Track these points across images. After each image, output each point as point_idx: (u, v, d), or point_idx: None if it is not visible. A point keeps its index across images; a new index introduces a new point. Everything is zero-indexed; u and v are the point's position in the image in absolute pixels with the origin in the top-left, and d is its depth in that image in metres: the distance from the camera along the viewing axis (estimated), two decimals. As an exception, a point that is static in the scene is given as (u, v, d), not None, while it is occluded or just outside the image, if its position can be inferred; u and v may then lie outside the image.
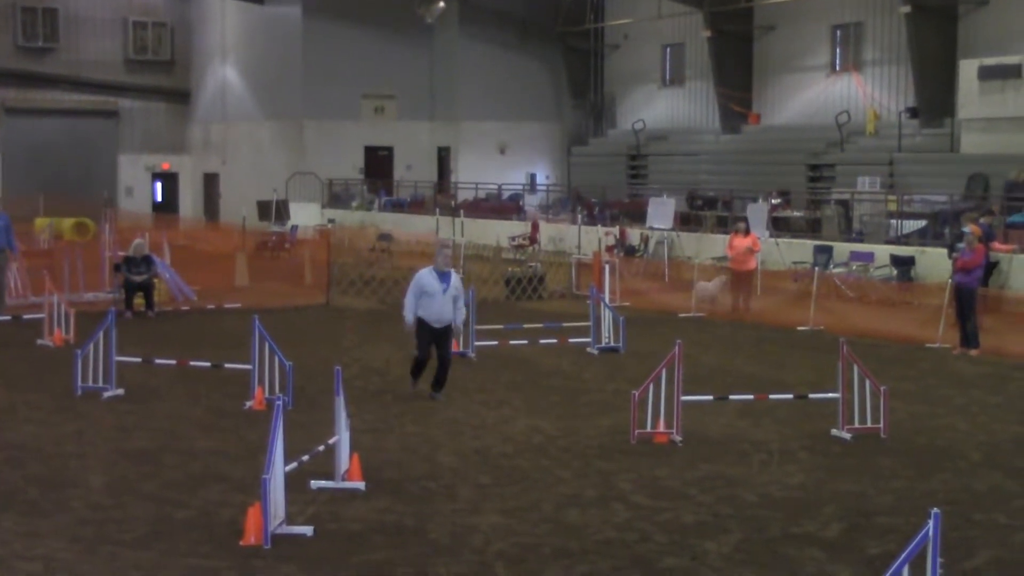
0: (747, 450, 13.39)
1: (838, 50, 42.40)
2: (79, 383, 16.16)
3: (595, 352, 20.31)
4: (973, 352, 20.32)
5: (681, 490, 11.74)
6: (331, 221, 45.55)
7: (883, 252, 29.42)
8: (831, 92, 42.15)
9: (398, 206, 48.43)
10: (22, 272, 26.14)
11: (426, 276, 16.03)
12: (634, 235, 37.30)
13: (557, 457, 13.07)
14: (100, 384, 16.12)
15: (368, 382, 17.52)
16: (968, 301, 20.47)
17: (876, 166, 38.13)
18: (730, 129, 45.47)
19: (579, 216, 38.93)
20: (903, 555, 7.22)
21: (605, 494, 11.58)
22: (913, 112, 38.42)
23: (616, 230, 37.69)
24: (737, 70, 45.38)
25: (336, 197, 50.98)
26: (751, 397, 15.55)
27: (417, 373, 16.45)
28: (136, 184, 57.41)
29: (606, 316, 20.89)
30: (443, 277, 16.06)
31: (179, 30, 57.71)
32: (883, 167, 38.03)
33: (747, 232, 26.92)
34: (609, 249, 35.34)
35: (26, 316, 23.28)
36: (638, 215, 39.29)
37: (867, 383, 14.01)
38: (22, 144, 54.00)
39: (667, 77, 49.51)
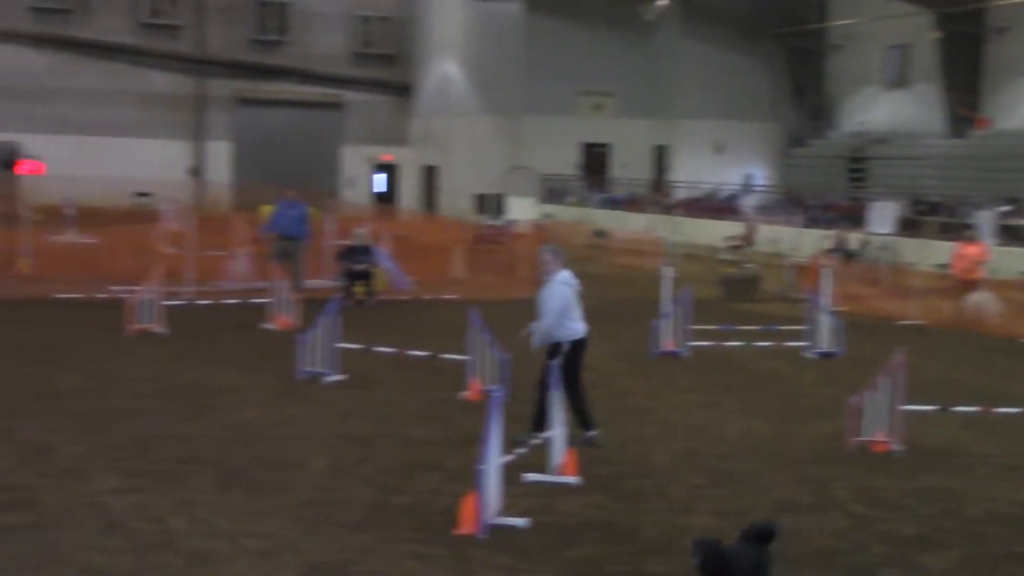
0: (971, 463, 12.99)
1: (1078, 53, 40.85)
2: (301, 367, 16.63)
3: (812, 356, 19.96)
4: None
5: (900, 501, 11.45)
6: (547, 216, 45.83)
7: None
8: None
9: (613, 203, 48.44)
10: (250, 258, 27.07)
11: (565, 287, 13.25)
12: (853, 239, 36.53)
13: (771, 461, 12.90)
14: (321, 369, 16.55)
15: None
16: None
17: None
18: (956, 133, 44.17)
19: (796, 218, 38.34)
20: None
21: (821, 501, 11.38)
22: None
23: (834, 233, 36.98)
24: (965, 73, 44.06)
25: (552, 192, 51.26)
26: (976, 409, 15.07)
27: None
28: (358, 175, 58.85)
29: (824, 320, 20.50)
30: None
31: (403, 24, 58.89)
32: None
33: (976, 240, 26.07)
34: (827, 252, 34.71)
35: (252, 300, 24.05)
36: (857, 219, 38.50)
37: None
38: (252, 133, 56.08)
39: (891, 79, 48.36)
